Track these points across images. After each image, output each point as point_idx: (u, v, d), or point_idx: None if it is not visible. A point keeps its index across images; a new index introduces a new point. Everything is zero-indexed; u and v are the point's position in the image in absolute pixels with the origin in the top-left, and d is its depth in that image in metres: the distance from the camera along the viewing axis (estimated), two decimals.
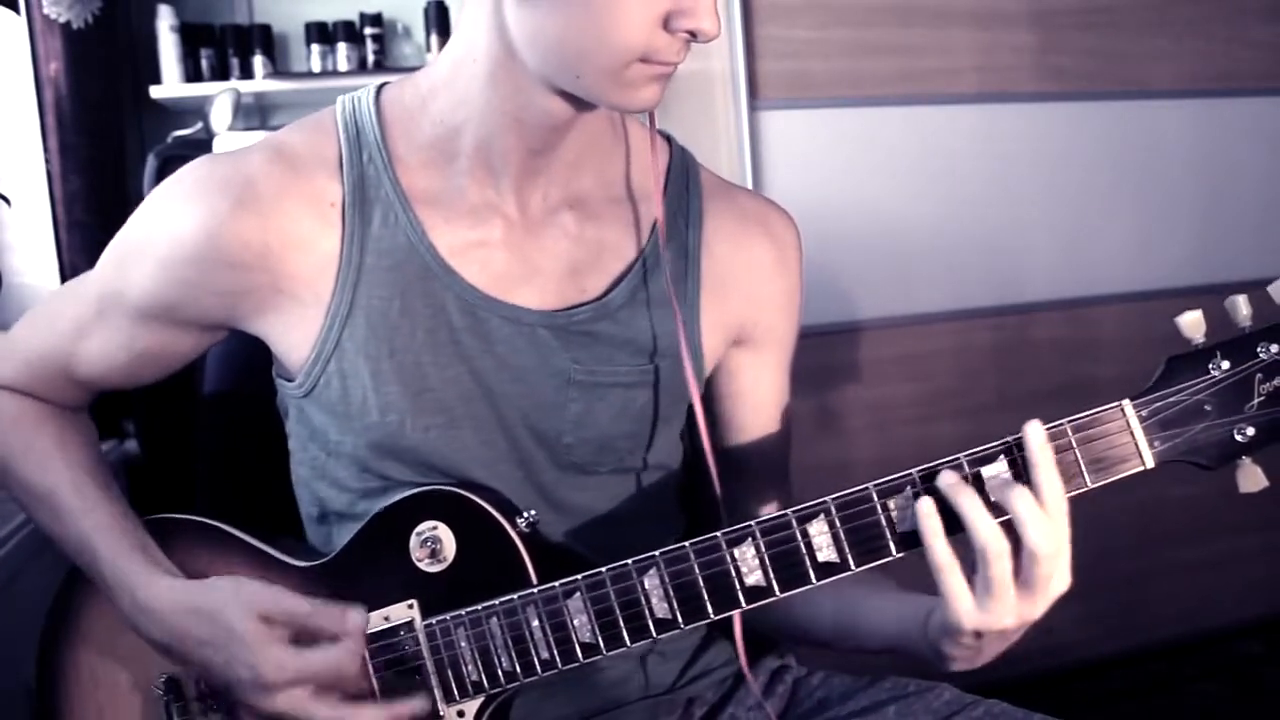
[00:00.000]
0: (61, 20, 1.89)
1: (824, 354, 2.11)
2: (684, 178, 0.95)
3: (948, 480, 0.76)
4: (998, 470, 0.77)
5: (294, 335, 0.87)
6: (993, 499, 0.75)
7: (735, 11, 2.01)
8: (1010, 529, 0.74)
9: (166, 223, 0.86)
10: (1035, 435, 0.75)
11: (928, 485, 0.77)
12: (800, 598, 0.84)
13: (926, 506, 0.75)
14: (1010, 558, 0.74)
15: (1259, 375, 0.77)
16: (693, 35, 0.77)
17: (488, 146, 0.85)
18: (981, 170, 2.17)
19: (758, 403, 0.99)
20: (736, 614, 0.83)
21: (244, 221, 0.84)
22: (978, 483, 0.76)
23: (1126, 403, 0.77)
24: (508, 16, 0.79)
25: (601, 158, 0.92)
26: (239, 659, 0.82)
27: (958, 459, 0.77)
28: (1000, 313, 2.22)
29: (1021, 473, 0.76)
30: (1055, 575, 0.74)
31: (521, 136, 0.84)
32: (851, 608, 0.91)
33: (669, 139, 0.97)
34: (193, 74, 2.37)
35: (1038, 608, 0.75)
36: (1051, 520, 0.74)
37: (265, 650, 0.82)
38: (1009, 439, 0.77)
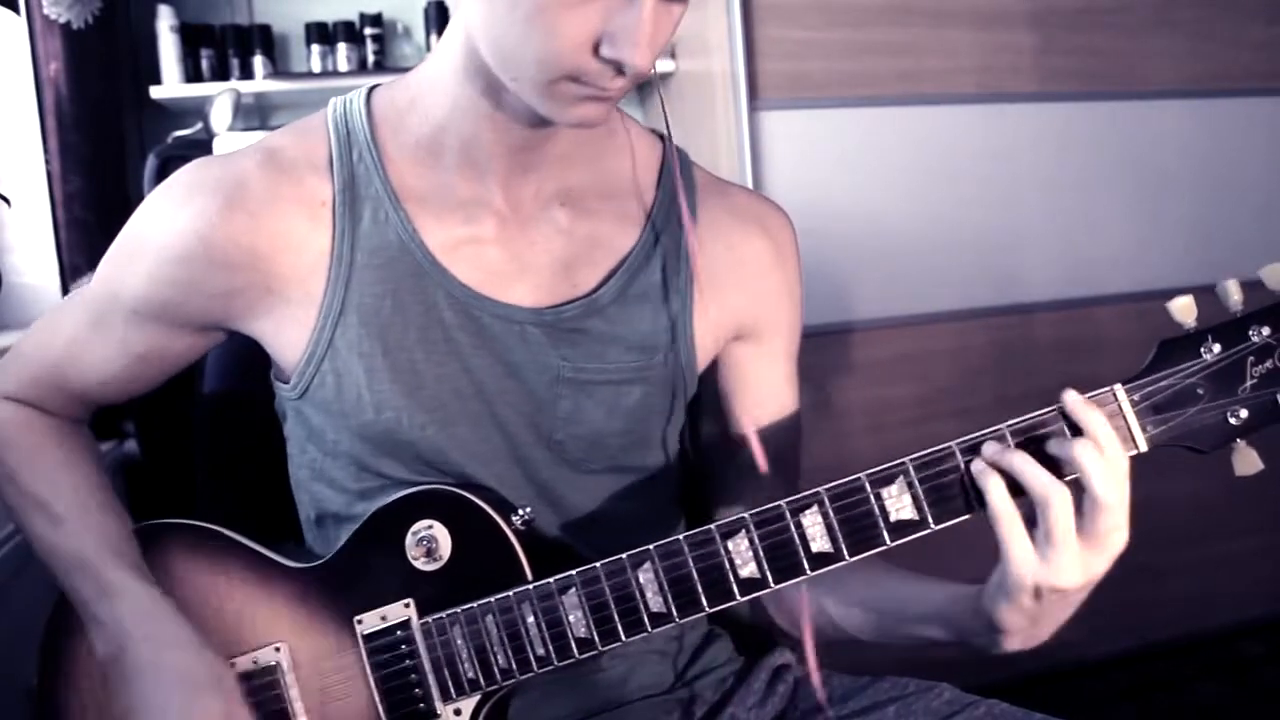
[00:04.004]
0: (61, 20, 1.89)
1: (823, 354, 2.11)
2: (678, 175, 0.95)
3: (996, 448, 0.76)
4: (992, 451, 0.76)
5: (287, 335, 0.88)
6: (1053, 457, 0.75)
7: (735, 11, 2.00)
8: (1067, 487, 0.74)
9: (158, 225, 0.87)
10: (1073, 399, 0.75)
11: (929, 468, 0.77)
12: (839, 595, 0.83)
13: (981, 465, 0.76)
14: (1073, 508, 0.73)
15: (1251, 358, 0.77)
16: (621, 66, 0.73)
17: (472, 144, 0.85)
18: (981, 170, 2.17)
19: (762, 396, 0.99)
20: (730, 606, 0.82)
21: (235, 222, 0.84)
22: (1029, 445, 0.76)
23: (1118, 386, 0.78)
24: (466, 11, 0.79)
25: (594, 153, 0.92)
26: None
27: (949, 446, 0.77)
28: (1000, 313, 2.22)
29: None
30: (1118, 529, 0.74)
31: (503, 133, 0.84)
32: (894, 600, 0.89)
33: (663, 137, 0.97)
34: (193, 74, 2.37)
35: (1101, 561, 0.74)
36: (1115, 469, 0.73)
37: None
38: (998, 427, 0.77)
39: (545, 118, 0.79)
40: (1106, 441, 0.74)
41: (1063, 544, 0.73)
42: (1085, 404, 0.75)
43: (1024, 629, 0.77)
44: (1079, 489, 0.73)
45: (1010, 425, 0.77)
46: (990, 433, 0.77)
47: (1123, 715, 2.18)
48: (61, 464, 0.93)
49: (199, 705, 0.82)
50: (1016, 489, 0.75)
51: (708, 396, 1.00)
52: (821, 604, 0.92)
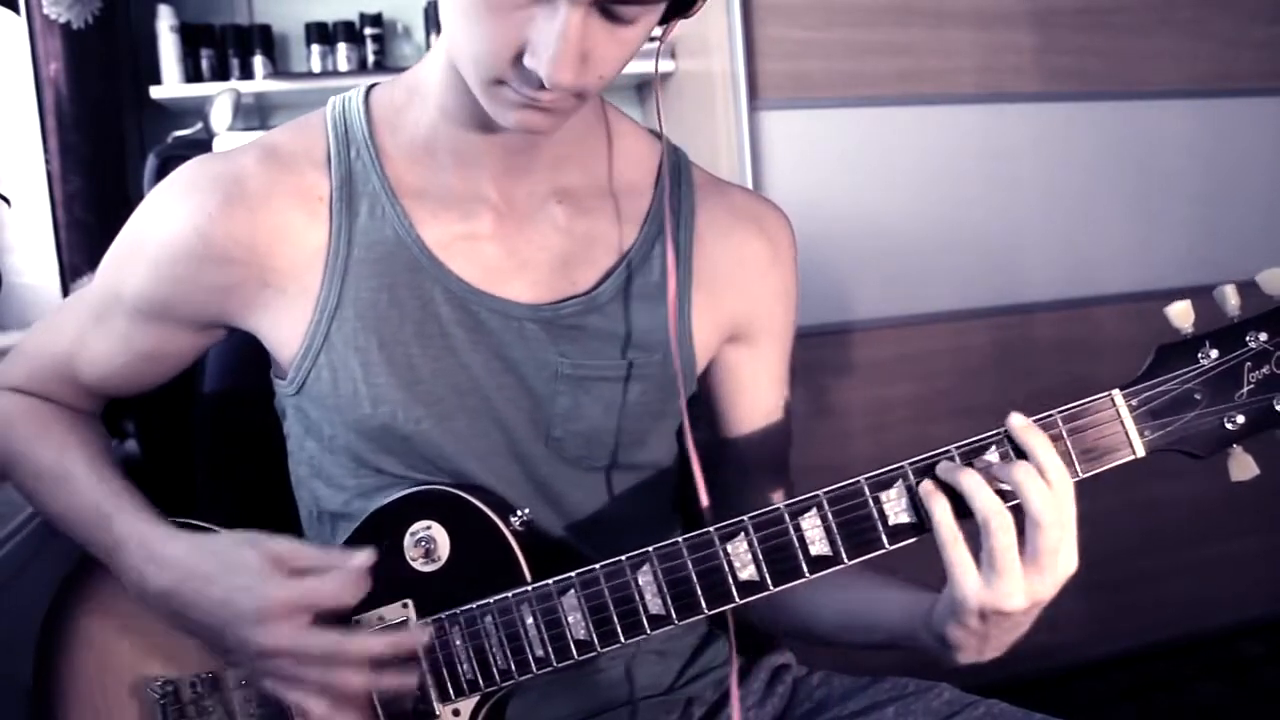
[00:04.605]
0: (61, 20, 1.89)
1: (823, 354, 2.11)
2: (676, 174, 0.95)
3: (948, 465, 0.76)
4: (993, 458, 0.77)
5: (284, 330, 0.88)
6: (995, 478, 0.75)
7: (735, 11, 2.00)
8: (1014, 509, 0.73)
9: (158, 222, 0.87)
10: (1018, 422, 0.75)
11: (929, 473, 0.77)
12: (803, 593, 0.83)
13: (929, 486, 0.76)
14: (1014, 532, 0.73)
15: (1248, 363, 0.77)
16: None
17: (464, 143, 0.86)
18: (981, 170, 2.17)
19: (756, 397, 0.99)
20: (729, 609, 0.82)
21: (232, 217, 0.85)
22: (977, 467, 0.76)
23: (1116, 392, 0.78)
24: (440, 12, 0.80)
25: (588, 154, 0.92)
26: (241, 586, 0.81)
27: (949, 450, 0.77)
28: (1000, 313, 2.22)
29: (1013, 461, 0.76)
30: (1061, 551, 0.73)
31: (492, 133, 0.84)
32: (855, 601, 0.90)
33: (660, 137, 0.97)
34: (193, 74, 2.37)
35: (1046, 585, 0.74)
36: (1053, 490, 0.73)
37: (269, 580, 0.81)
38: (999, 430, 0.77)
39: (497, 121, 0.79)
40: (1049, 466, 0.74)
41: (1005, 568, 0.73)
42: (1028, 428, 0.75)
43: (974, 646, 0.78)
44: (1021, 512, 0.73)
45: (994, 435, 0.77)
46: (988, 438, 0.77)
47: (1123, 715, 2.18)
48: (68, 432, 0.94)
49: (245, 555, 0.82)
50: (968, 509, 0.75)
51: (705, 395, 1.00)
52: (793, 603, 0.92)
